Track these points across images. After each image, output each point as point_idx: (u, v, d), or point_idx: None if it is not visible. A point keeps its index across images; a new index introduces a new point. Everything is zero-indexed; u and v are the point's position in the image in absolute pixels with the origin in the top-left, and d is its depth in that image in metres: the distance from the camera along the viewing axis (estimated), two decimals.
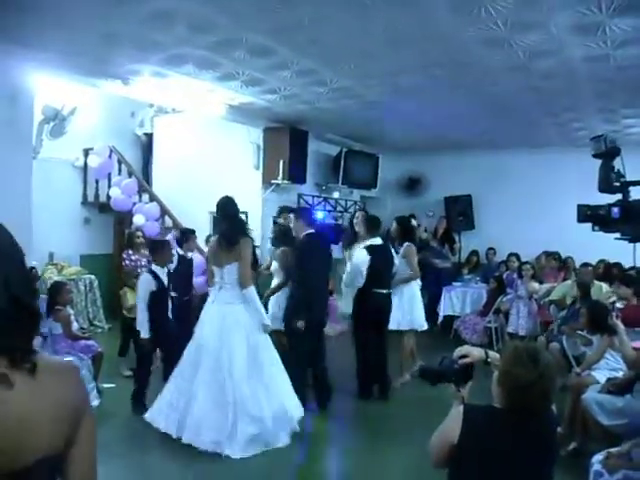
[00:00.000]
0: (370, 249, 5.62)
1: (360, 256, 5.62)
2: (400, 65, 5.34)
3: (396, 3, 3.86)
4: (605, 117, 7.07)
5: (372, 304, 5.59)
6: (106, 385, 5.59)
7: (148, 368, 5.16)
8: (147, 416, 4.47)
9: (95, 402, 5.20)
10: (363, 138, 9.48)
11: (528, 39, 4.46)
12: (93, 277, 8.31)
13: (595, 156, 2.61)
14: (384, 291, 5.65)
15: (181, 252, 6.30)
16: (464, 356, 2.11)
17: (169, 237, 7.33)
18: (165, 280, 5.17)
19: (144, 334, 4.91)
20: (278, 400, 4.34)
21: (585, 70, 5.22)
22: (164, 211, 8.70)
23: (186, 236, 6.46)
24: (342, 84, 6.03)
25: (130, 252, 7.13)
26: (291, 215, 5.60)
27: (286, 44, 4.79)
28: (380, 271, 5.62)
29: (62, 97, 8.18)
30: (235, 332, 4.27)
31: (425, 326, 6.18)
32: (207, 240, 7.09)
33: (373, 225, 5.94)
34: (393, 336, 5.98)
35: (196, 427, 4.15)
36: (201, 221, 8.25)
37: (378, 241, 5.81)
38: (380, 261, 5.62)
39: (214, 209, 8.48)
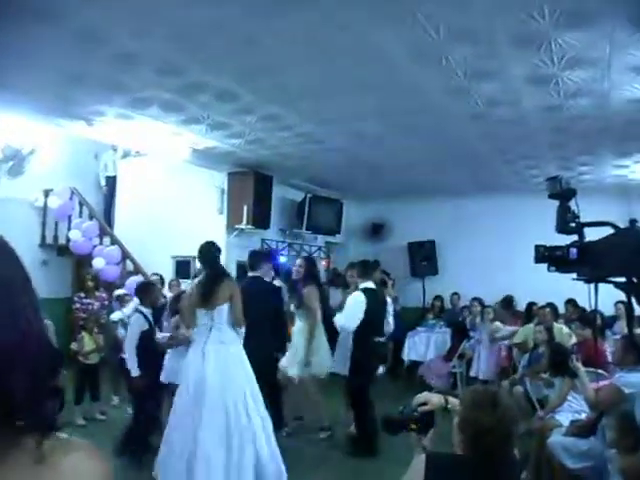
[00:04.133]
0: (367, 293, 5.49)
1: (358, 299, 5.43)
2: (363, 111, 5.45)
3: (359, 51, 3.97)
4: (561, 164, 7.32)
5: (372, 353, 5.49)
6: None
7: (149, 411, 4.91)
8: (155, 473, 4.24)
9: None
10: (327, 184, 9.58)
11: (486, 88, 4.63)
12: (49, 322, 8.00)
13: (551, 197, 2.68)
14: (381, 339, 5.61)
15: None
16: (424, 404, 2.07)
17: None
18: (151, 320, 5.13)
19: (134, 372, 4.82)
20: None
21: (540, 119, 5.43)
22: (125, 255, 8.55)
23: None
24: (306, 129, 6.11)
25: (82, 295, 6.94)
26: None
27: (250, 89, 4.84)
28: (377, 316, 5.57)
29: (23, 136, 8.07)
30: (238, 372, 4.27)
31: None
32: (170, 285, 6.98)
33: (367, 268, 5.82)
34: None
35: (207, 473, 3.97)
36: (164, 265, 8.13)
37: (371, 285, 5.66)
38: (376, 306, 5.55)
39: (177, 253, 8.43)
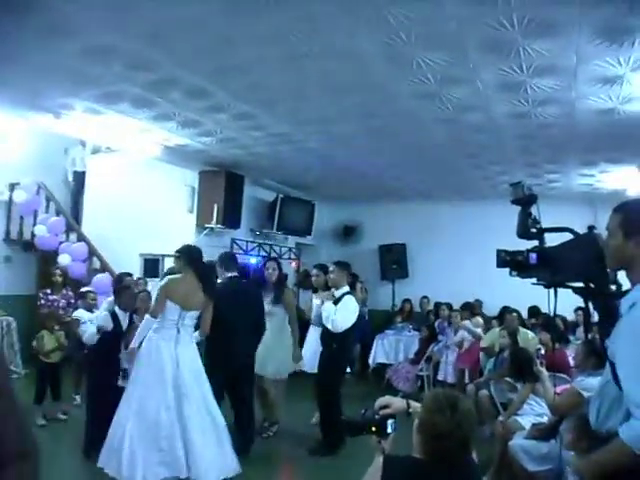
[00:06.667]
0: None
1: (354, 303, 5.54)
2: (336, 113, 5.45)
3: (333, 52, 3.96)
4: (530, 171, 7.42)
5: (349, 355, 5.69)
6: None
7: (105, 411, 4.56)
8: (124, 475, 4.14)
9: None
10: (299, 185, 9.56)
11: (456, 94, 4.67)
12: (11, 319, 7.85)
13: (514, 202, 2.71)
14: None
15: None
16: (385, 407, 2.06)
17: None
18: (125, 324, 5.07)
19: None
20: None
21: (509, 126, 5.50)
22: (92, 252, 8.41)
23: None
24: (278, 130, 6.09)
25: (48, 292, 6.79)
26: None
27: (223, 87, 4.80)
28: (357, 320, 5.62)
29: None
30: (200, 367, 4.59)
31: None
32: (135, 283, 6.86)
33: (348, 270, 5.82)
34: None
35: (201, 465, 4.23)
36: (132, 263, 8.02)
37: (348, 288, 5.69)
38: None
39: (145, 251, 8.31)
